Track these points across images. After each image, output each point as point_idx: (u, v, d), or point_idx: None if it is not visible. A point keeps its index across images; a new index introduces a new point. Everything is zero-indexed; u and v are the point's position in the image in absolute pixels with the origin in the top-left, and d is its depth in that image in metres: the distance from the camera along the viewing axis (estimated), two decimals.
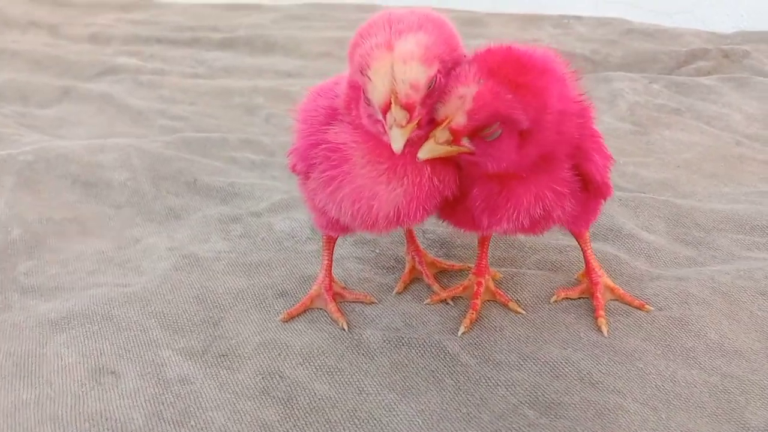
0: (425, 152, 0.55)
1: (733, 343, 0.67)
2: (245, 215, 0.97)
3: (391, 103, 0.52)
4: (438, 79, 0.55)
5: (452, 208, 0.63)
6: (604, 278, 0.73)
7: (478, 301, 0.71)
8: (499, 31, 1.71)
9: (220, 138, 1.21)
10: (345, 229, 0.69)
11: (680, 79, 1.34)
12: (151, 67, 1.62)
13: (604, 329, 0.68)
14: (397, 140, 0.53)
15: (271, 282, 0.79)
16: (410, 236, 0.79)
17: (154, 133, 1.27)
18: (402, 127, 0.53)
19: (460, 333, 0.68)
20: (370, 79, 0.53)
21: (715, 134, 1.14)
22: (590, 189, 0.63)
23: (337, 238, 0.76)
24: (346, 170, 0.59)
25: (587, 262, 0.73)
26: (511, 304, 0.72)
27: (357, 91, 0.58)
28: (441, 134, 0.55)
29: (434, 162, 0.58)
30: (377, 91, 0.53)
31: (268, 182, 1.08)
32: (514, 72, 0.54)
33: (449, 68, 0.56)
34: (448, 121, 0.55)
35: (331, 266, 0.76)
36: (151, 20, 2.02)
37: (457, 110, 0.54)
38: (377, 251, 0.85)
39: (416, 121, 0.54)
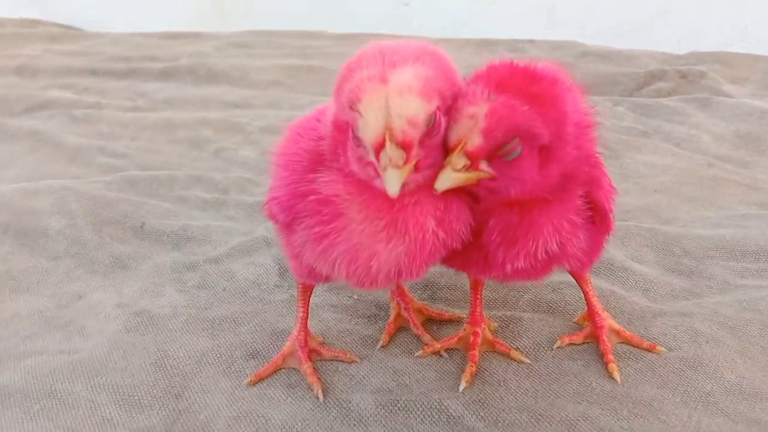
0: (443, 182, 0.49)
1: (752, 384, 0.62)
2: (202, 262, 0.87)
3: (385, 140, 0.45)
4: (437, 116, 0.48)
5: (460, 250, 0.55)
6: (608, 320, 0.67)
7: (476, 353, 0.64)
8: (453, 57, 1.67)
9: (168, 176, 1.11)
10: (329, 279, 0.61)
11: (643, 101, 1.32)
12: (86, 101, 1.51)
13: (617, 376, 0.62)
14: (392, 182, 0.46)
15: (238, 340, 0.70)
16: None
17: (93, 173, 1.16)
18: (398, 167, 0.46)
19: (461, 389, 0.61)
20: (361, 114, 0.46)
21: (687, 156, 1.12)
22: (597, 221, 0.57)
23: (314, 287, 0.68)
24: (340, 226, 0.51)
25: (589, 305, 0.67)
26: (513, 353, 0.65)
27: (344, 134, 0.51)
28: (457, 160, 0.49)
29: (442, 210, 0.51)
30: (369, 127, 0.46)
31: (225, 223, 0.99)
32: (526, 83, 0.49)
33: (448, 105, 0.50)
34: (462, 144, 0.48)
35: (307, 319, 0.68)
36: (84, 51, 1.90)
37: (470, 131, 0.48)
38: (355, 297, 0.77)
39: (413, 163, 0.47)
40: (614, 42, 1.70)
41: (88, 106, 1.48)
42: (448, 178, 0.49)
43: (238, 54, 1.81)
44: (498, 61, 0.51)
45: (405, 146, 0.46)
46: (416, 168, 0.48)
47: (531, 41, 1.76)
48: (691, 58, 1.53)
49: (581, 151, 0.53)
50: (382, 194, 0.48)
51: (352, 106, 0.46)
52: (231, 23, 2.31)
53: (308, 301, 0.68)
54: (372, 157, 0.47)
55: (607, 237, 0.62)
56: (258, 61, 1.71)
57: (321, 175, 0.53)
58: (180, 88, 1.62)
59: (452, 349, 0.67)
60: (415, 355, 0.66)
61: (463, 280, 0.78)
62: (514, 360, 0.65)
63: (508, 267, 0.55)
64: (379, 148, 0.46)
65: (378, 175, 0.47)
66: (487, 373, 0.63)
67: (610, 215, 0.58)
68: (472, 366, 0.63)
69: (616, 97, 1.37)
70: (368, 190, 0.50)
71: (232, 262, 0.87)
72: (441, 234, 0.52)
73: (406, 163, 0.46)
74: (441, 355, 0.66)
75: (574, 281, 0.71)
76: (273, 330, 0.72)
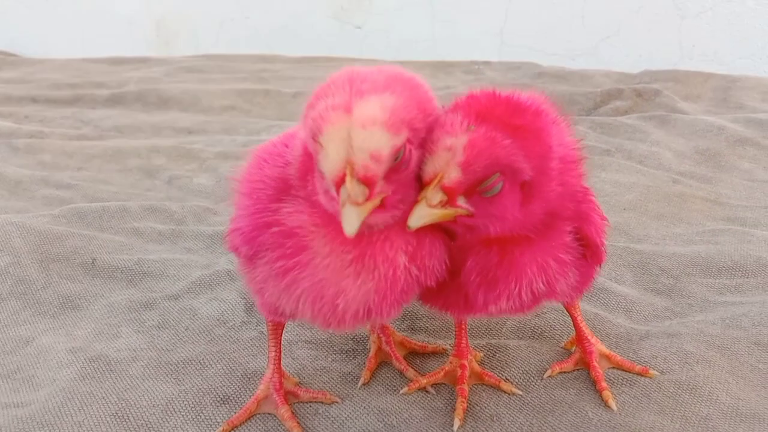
0: (416, 219, 0.45)
1: (748, 406, 0.60)
2: (160, 299, 0.81)
3: (345, 176, 0.42)
4: (407, 150, 0.45)
5: (438, 289, 0.52)
6: (598, 345, 0.65)
7: (466, 387, 0.61)
8: None
9: (119, 207, 1.04)
10: (293, 317, 0.57)
11: (603, 120, 1.33)
12: (27, 130, 1.42)
13: (613, 404, 0.59)
14: (349, 220, 0.42)
15: (207, 385, 0.65)
16: None
17: (37, 206, 1.08)
18: (358, 204, 0.42)
19: (455, 428, 0.57)
20: (322, 146, 0.43)
21: (651, 173, 1.12)
22: (588, 255, 0.55)
23: (285, 323, 0.64)
24: (304, 261, 0.47)
25: (578, 330, 0.65)
26: (504, 385, 0.62)
27: (313, 161, 0.47)
28: (433, 195, 0.45)
29: (414, 245, 0.48)
30: (330, 160, 0.42)
31: (182, 256, 0.93)
32: (508, 114, 0.46)
33: (422, 137, 0.46)
34: (439, 178, 0.45)
35: (280, 358, 0.63)
36: (24, 78, 1.81)
37: (447, 164, 0.45)
38: (330, 330, 0.72)
39: (377, 200, 0.44)
40: (564, 63, 1.72)
41: (29, 135, 1.40)
42: (423, 215, 0.45)
43: (189, 79, 1.75)
44: (479, 90, 0.48)
45: (367, 182, 0.42)
46: (383, 205, 0.44)
47: (487, 62, 1.76)
48: (644, 77, 1.56)
49: (566, 187, 0.50)
50: None
51: (315, 137, 0.43)
52: (176, 49, 2.26)
53: (280, 339, 0.63)
54: (334, 192, 0.43)
55: (598, 268, 0.59)
56: (211, 86, 1.66)
57: (285, 205, 0.49)
58: (128, 114, 1.55)
59: (439, 383, 0.63)
60: (401, 392, 0.62)
61: None
62: (505, 392, 0.61)
63: (491, 308, 0.51)
64: (340, 183, 0.42)
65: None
66: (478, 408, 0.60)
67: (602, 248, 0.56)
68: (463, 401, 0.59)
69: (574, 117, 1.37)
70: (335, 222, 0.46)
71: (194, 298, 0.81)
72: (414, 270, 0.48)
73: (368, 199, 0.43)
74: (428, 392, 0.62)
75: (558, 305, 0.69)
76: (244, 372, 0.66)
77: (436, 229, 0.49)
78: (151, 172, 1.25)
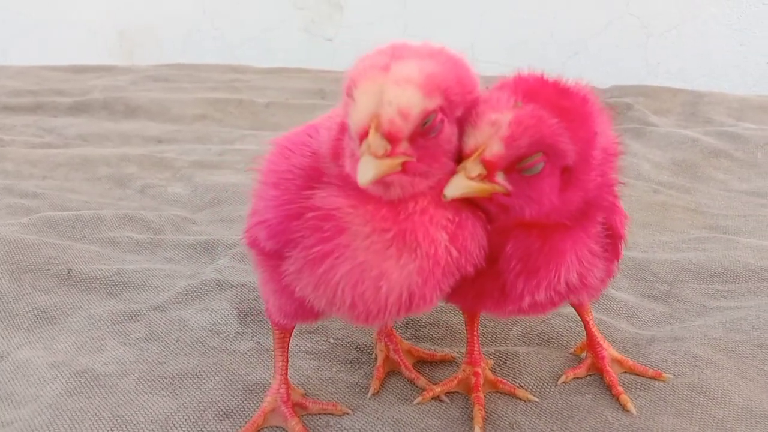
0: (453, 189, 0.44)
1: (761, 406, 0.60)
2: (145, 310, 0.77)
3: (369, 129, 0.41)
4: (439, 118, 0.43)
5: (470, 281, 0.50)
6: (610, 350, 0.64)
7: (481, 394, 0.59)
8: None
9: (93, 216, 0.99)
10: (316, 316, 0.54)
11: None
12: None
13: (632, 408, 0.58)
14: (364, 170, 0.41)
15: (207, 398, 0.61)
16: None
17: (2, 216, 1.02)
18: (377, 157, 0.41)
19: None
20: (354, 99, 0.42)
21: (631, 184, 1.13)
22: (610, 248, 0.54)
23: (292, 331, 0.60)
24: (344, 243, 0.45)
25: (590, 335, 0.64)
26: (519, 392, 0.60)
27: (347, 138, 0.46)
28: (473, 167, 0.44)
29: (455, 224, 0.46)
30: (357, 112, 0.42)
31: (164, 266, 0.89)
32: (556, 95, 0.45)
33: (459, 115, 0.45)
34: (480, 150, 0.44)
35: (287, 369, 0.60)
36: None
37: (490, 138, 0.44)
38: (332, 341, 0.70)
39: (398, 160, 0.42)
40: None
41: None
42: (460, 186, 0.44)
43: (156, 88, 1.70)
44: (526, 71, 0.47)
45: (390, 138, 0.42)
46: (405, 169, 0.43)
47: None
48: (614, 92, 1.59)
49: (605, 178, 0.49)
50: (386, 203, 0.44)
51: (349, 92, 0.43)
52: (140, 60, 2.20)
53: (287, 348, 0.60)
54: (357, 148, 0.42)
55: (617, 264, 0.58)
56: (180, 95, 1.61)
57: (319, 192, 0.47)
58: (93, 123, 1.49)
59: (452, 392, 0.61)
60: (415, 402, 0.60)
61: (447, 316, 0.73)
62: (521, 399, 0.60)
63: (527, 300, 0.50)
64: (364, 136, 0.41)
65: None
66: (496, 415, 0.58)
67: (624, 242, 0.55)
68: (480, 409, 0.57)
69: None
70: (371, 200, 0.45)
71: (181, 308, 0.77)
72: (454, 252, 0.46)
73: (389, 155, 0.42)
74: (442, 400, 0.60)
75: (561, 310, 0.68)
76: (244, 384, 0.63)
77: (476, 210, 0.47)
78: (122, 180, 1.19)
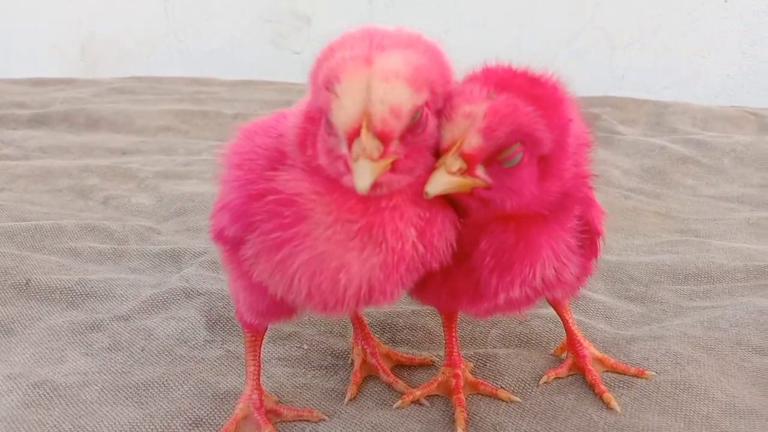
0: (435, 185, 0.42)
1: (744, 403, 0.59)
2: (108, 320, 0.74)
3: (360, 128, 0.39)
4: (425, 113, 0.42)
5: (443, 277, 0.48)
6: (590, 349, 0.63)
7: (462, 396, 0.57)
8: None
9: (53, 226, 0.95)
10: (289, 313, 0.52)
11: None
12: None
13: (616, 406, 0.57)
14: (362, 176, 0.39)
15: (174, 408, 0.58)
16: (358, 321, 0.63)
17: None
18: (372, 160, 0.39)
19: None
20: (337, 95, 0.40)
21: (603, 190, 1.13)
22: (587, 244, 0.53)
23: (264, 334, 0.58)
24: (303, 231, 0.43)
25: (570, 334, 0.63)
26: (501, 393, 0.58)
27: (316, 125, 0.44)
28: (453, 161, 0.43)
29: (425, 220, 0.44)
30: (345, 111, 0.39)
31: (128, 276, 0.85)
32: (528, 84, 0.44)
33: (439, 106, 0.44)
34: (458, 144, 0.43)
35: (259, 374, 0.57)
36: None
37: (467, 131, 0.43)
38: (305, 347, 0.67)
39: (391, 160, 0.41)
40: None
41: None
42: (442, 182, 0.43)
43: (119, 100, 1.66)
44: (494, 63, 0.47)
45: (384, 138, 0.40)
46: (393, 168, 0.41)
47: None
48: (581, 103, 1.60)
49: (579, 169, 0.49)
50: (356, 195, 0.41)
51: (329, 86, 0.40)
52: (102, 71, 2.15)
53: (259, 353, 0.58)
54: (344, 148, 0.40)
55: (594, 262, 0.58)
56: (145, 107, 1.58)
57: (282, 174, 0.45)
58: (54, 135, 1.44)
59: (432, 395, 0.59)
60: (394, 406, 0.57)
61: (424, 319, 0.71)
62: (503, 400, 0.58)
63: (501, 297, 0.48)
64: (353, 135, 0.39)
65: (349, 170, 0.40)
66: (478, 417, 0.56)
67: (602, 238, 0.54)
68: (462, 411, 0.55)
69: None
70: (338, 189, 0.43)
71: (146, 318, 0.74)
72: (421, 248, 0.45)
73: (382, 156, 0.40)
74: (422, 404, 0.58)
75: (540, 312, 0.66)
76: (214, 392, 0.60)
77: (447, 206, 0.46)
78: (84, 192, 1.15)
